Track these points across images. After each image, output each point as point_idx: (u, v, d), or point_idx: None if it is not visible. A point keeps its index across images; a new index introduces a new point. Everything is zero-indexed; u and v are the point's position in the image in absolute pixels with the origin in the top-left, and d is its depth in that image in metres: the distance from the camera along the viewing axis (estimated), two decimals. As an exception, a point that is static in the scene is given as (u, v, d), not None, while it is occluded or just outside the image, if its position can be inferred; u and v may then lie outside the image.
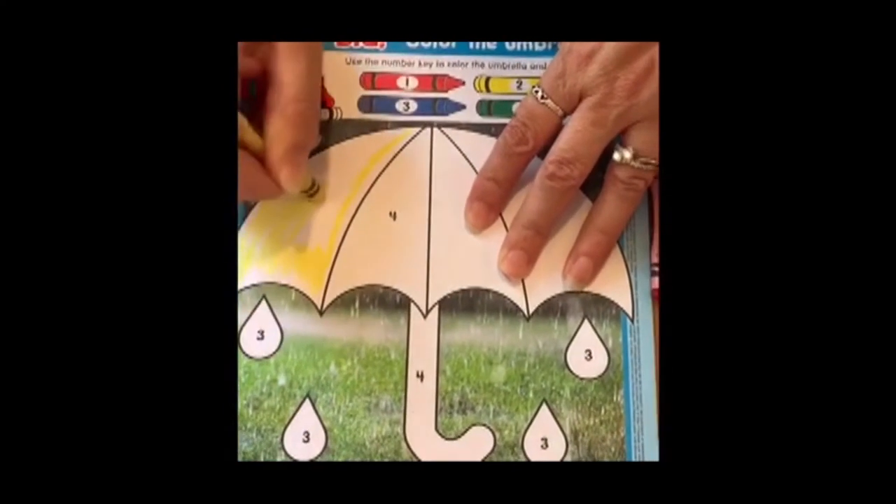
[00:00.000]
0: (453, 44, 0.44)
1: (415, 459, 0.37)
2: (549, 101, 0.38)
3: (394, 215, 0.41)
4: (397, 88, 0.43)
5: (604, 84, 0.36)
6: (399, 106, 0.43)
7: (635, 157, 0.37)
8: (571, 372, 0.38)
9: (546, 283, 0.40)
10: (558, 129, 0.38)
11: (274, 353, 0.38)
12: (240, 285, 0.39)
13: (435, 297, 0.39)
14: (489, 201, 0.40)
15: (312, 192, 0.40)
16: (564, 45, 0.38)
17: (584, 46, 0.37)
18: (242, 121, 0.34)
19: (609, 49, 0.36)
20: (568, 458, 0.37)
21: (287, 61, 0.35)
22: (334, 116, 0.42)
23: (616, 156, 0.37)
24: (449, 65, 0.43)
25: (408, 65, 0.44)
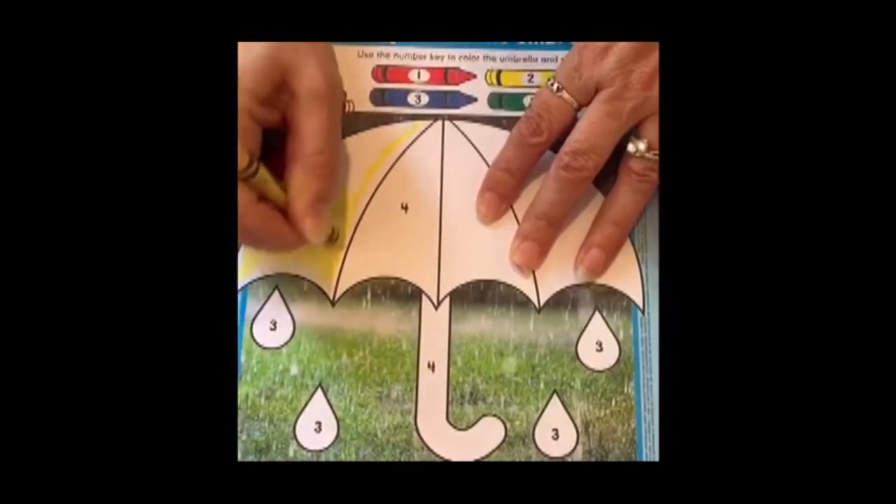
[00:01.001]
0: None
1: (426, 449, 0.37)
2: (564, 93, 0.38)
3: (405, 207, 0.41)
4: (409, 81, 0.43)
5: (619, 77, 0.36)
6: (411, 99, 0.43)
7: (649, 148, 0.37)
8: (582, 363, 0.39)
9: (557, 275, 0.40)
10: (573, 121, 0.39)
11: (286, 343, 0.38)
12: (252, 276, 0.39)
13: (446, 289, 0.39)
14: (501, 192, 0.40)
15: (333, 238, 0.39)
16: (579, 39, 0.38)
17: None
18: (265, 173, 0.34)
19: (625, 42, 0.36)
20: (579, 450, 0.37)
21: (308, 112, 0.35)
22: (346, 109, 0.42)
23: (630, 147, 0.38)
24: (460, 58, 0.44)
25: (419, 58, 0.44)
